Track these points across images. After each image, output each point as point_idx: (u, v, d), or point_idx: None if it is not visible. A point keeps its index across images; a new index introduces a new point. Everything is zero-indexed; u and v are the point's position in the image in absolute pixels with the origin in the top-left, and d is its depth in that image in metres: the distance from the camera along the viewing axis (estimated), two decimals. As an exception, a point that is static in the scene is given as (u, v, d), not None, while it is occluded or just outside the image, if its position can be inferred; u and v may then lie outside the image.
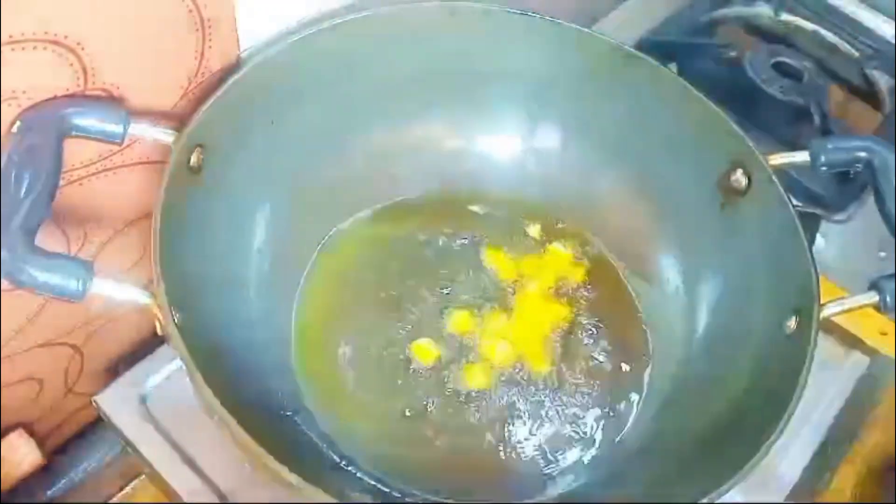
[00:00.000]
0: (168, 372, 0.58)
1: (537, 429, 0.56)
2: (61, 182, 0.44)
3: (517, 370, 0.58)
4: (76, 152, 0.47)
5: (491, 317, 0.59)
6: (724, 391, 0.52)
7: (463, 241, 0.63)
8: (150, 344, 0.58)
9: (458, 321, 0.59)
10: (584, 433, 0.56)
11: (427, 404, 0.56)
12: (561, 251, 0.64)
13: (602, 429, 0.57)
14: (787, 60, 0.77)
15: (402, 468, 0.54)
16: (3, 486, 0.56)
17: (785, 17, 0.87)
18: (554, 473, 0.55)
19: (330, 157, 0.61)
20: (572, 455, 0.55)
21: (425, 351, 0.58)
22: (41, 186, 0.42)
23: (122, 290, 0.42)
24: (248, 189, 0.55)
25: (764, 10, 0.88)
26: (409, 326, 0.59)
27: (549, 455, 0.55)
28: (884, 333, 0.64)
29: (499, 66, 0.62)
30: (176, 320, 0.42)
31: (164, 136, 0.47)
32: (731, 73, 0.77)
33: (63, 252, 0.52)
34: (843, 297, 0.49)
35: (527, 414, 0.56)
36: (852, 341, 0.64)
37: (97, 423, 0.62)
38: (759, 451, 0.43)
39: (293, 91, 0.56)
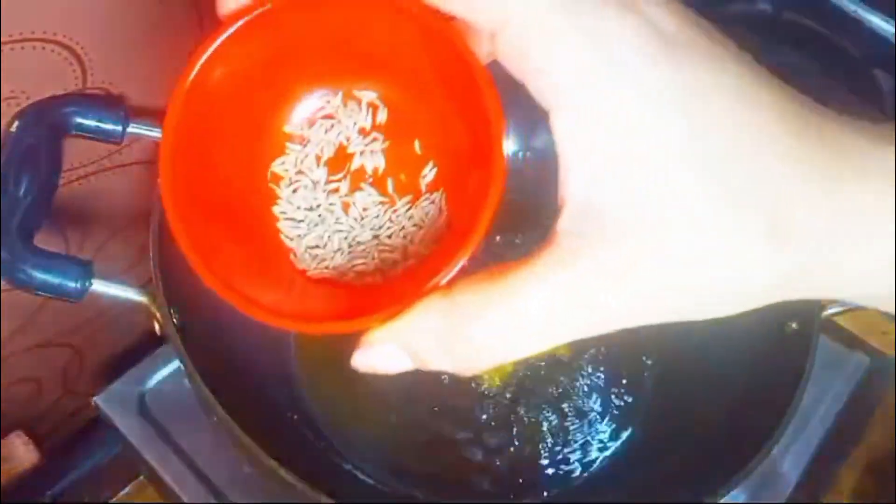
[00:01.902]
0: (167, 372, 0.57)
1: (541, 430, 0.56)
2: (60, 181, 0.44)
3: (521, 371, 0.58)
4: (75, 152, 0.47)
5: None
6: (725, 392, 0.52)
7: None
8: (149, 344, 0.58)
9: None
10: (586, 434, 0.56)
11: (430, 404, 0.56)
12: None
13: (603, 430, 0.56)
14: (789, 61, 0.77)
15: (403, 469, 0.54)
16: (2, 486, 0.56)
17: (787, 16, 0.87)
18: (555, 473, 0.55)
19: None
20: (574, 455, 0.55)
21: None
22: (40, 186, 0.42)
23: (122, 291, 0.42)
24: (248, 189, 0.55)
25: (766, 10, 0.88)
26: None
27: (551, 455, 0.55)
28: (884, 333, 0.64)
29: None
30: (175, 321, 0.42)
31: (164, 135, 0.47)
32: (731, 72, 0.77)
33: (62, 252, 0.52)
34: (844, 297, 0.49)
35: (530, 415, 0.56)
36: (853, 341, 0.64)
37: (96, 424, 0.62)
38: (760, 452, 0.43)
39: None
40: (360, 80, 0.29)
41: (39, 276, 0.40)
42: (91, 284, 0.41)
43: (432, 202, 0.29)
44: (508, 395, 0.57)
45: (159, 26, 0.47)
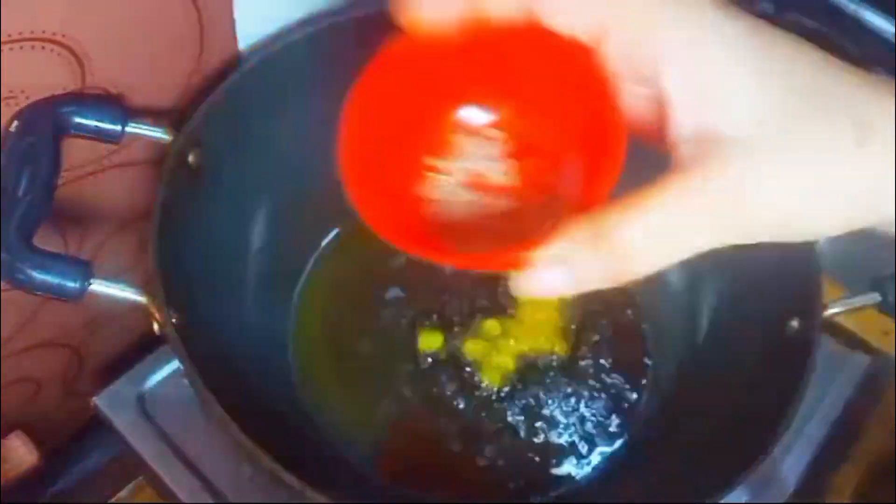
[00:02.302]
0: (166, 373, 0.57)
1: (542, 430, 0.56)
2: (60, 181, 0.44)
3: (521, 372, 0.57)
4: (75, 152, 0.47)
5: (493, 320, 0.59)
6: (726, 391, 0.52)
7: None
8: (148, 344, 0.58)
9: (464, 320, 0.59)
10: (587, 435, 0.56)
11: (430, 406, 0.56)
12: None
13: (604, 430, 0.56)
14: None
15: (403, 470, 0.54)
16: (2, 486, 0.56)
17: (788, 16, 0.87)
18: (557, 474, 0.55)
19: (330, 157, 0.60)
20: (575, 456, 0.55)
21: (430, 348, 0.57)
22: (40, 185, 0.42)
23: (121, 291, 0.42)
24: (247, 189, 0.55)
25: (767, 9, 0.88)
26: (413, 327, 0.58)
27: (552, 456, 0.55)
28: (886, 333, 0.64)
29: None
30: (174, 321, 0.42)
31: (163, 135, 0.47)
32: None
33: (61, 252, 0.51)
34: (845, 297, 0.49)
35: (532, 416, 0.56)
36: (854, 341, 0.64)
37: (96, 424, 0.62)
38: (762, 452, 0.43)
39: (292, 90, 0.56)
40: (497, 101, 0.33)
41: (39, 276, 0.40)
42: (90, 284, 0.41)
43: (564, 202, 0.32)
44: (509, 396, 0.57)
45: (159, 26, 0.47)
